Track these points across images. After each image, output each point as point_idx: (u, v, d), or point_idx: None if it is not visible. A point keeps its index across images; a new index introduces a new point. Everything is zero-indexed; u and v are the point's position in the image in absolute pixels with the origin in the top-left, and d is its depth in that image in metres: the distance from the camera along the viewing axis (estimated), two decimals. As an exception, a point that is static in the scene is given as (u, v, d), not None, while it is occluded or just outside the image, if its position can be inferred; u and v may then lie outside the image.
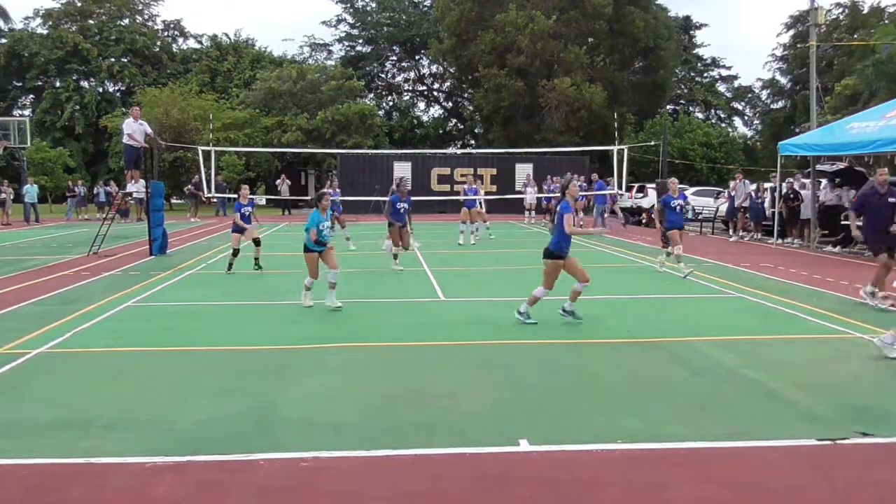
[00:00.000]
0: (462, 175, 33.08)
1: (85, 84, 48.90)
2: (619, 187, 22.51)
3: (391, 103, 54.70)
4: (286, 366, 6.44)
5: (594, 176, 24.64)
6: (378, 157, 33.62)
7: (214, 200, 31.97)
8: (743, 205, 19.80)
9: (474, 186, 19.55)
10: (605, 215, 23.29)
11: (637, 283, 11.47)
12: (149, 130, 15.55)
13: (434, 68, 53.72)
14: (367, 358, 6.74)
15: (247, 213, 12.70)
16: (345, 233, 16.91)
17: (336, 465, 4.23)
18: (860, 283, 11.05)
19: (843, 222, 16.56)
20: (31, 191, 28.76)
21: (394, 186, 13.84)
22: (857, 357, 6.77)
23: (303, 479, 4.07)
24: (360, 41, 52.77)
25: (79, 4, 48.14)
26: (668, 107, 49.47)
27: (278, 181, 33.29)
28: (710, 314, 8.92)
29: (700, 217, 24.63)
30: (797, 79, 45.60)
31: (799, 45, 42.62)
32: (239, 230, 12.59)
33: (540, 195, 26.91)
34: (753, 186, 20.26)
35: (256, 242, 12.64)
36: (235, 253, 12.61)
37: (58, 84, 47.75)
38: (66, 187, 32.85)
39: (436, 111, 55.89)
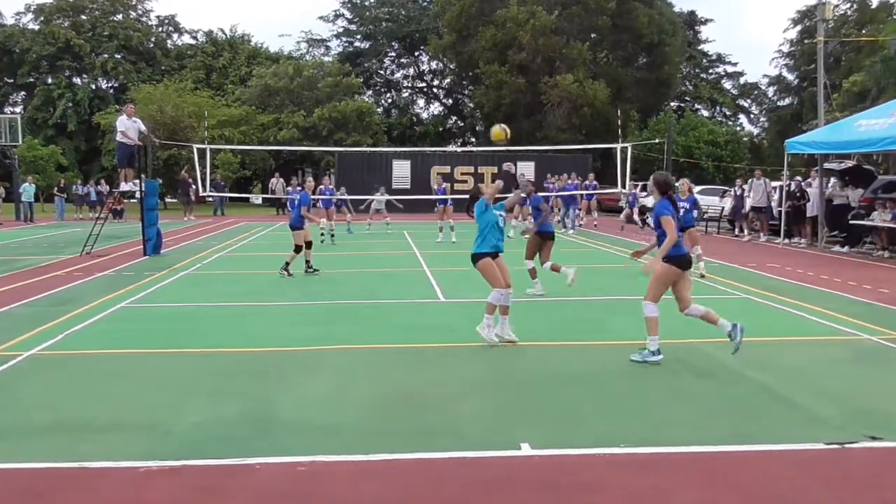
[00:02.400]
0: (462, 174, 33.17)
1: (77, 81, 48.89)
2: (623, 186, 22.51)
3: (390, 100, 54.71)
4: (283, 368, 6.44)
5: (563, 176, 24.01)
6: (377, 155, 33.63)
7: (210, 199, 31.99)
8: (760, 204, 19.68)
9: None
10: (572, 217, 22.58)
11: (640, 283, 11.45)
12: (142, 128, 15.56)
13: (434, 65, 53.73)
14: (366, 360, 6.74)
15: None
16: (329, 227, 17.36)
17: (334, 470, 4.24)
18: (868, 283, 11.08)
19: (851, 222, 16.57)
20: (28, 189, 28.74)
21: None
22: (866, 359, 6.77)
23: (300, 484, 4.08)
24: (359, 37, 52.78)
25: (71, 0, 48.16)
26: (672, 104, 49.45)
27: (273, 179, 33.33)
28: (716, 315, 8.91)
29: (706, 216, 24.63)
30: (804, 75, 45.55)
31: (806, 41, 42.57)
32: (301, 226, 12.01)
33: (544, 194, 26.89)
34: (774, 185, 20.11)
35: (308, 245, 12.12)
36: (298, 250, 11.98)
37: (50, 81, 47.75)
38: (57, 185, 32.82)
39: (436, 108, 55.93)
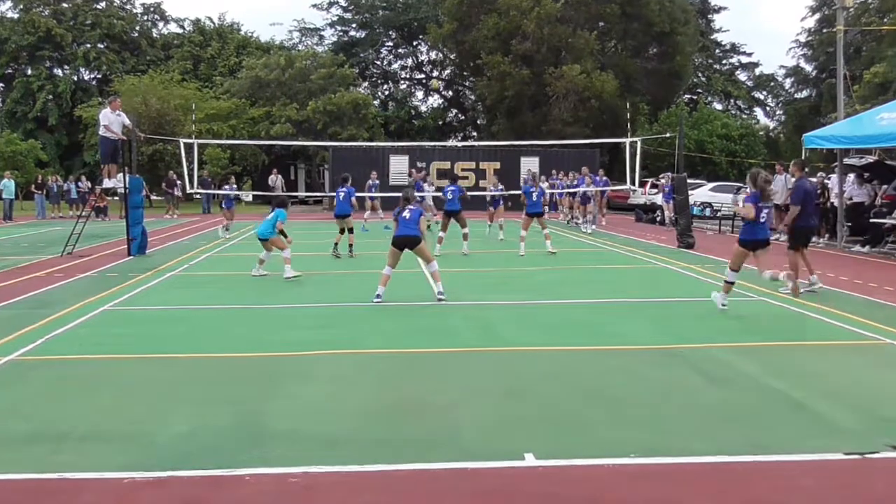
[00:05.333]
0: (463, 169, 33.14)
1: (59, 72, 48.93)
2: (633, 183, 22.52)
3: (387, 92, 54.73)
4: (275, 374, 6.44)
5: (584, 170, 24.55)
6: (373, 149, 33.63)
7: (197, 197, 32.01)
8: (786, 202, 19.47)
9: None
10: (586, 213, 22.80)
11: (649, 284, 11.48)
12: (127, 122, 15.54)
13: (433, 55, 53.76)
14: (362, 366, 6.74)
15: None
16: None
17: (328, 481, 4.24)
18: (890, 285, 11.08)
19: (871, 220, 16.57)
20: (8, 186, 28.68)
21: None
22: (888, 365, 6.77)
23: (292, 496, 4.08)
24: (354, 26, 52.80)
25: (52, -13, 48.22)
26: (684, 96, 49.48)
27: (272, 176, 33.37)
28: (730, 319, 8.92)
29: (719, 214, 24.65)
30: (823, 66, 45.60)
31: (825, 30, 42.64)
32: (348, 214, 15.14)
33: (552, 190, 27.04)
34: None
35: (349, 230, 15.06)
36: (342, 232, 15.04)
37: (29, 72, 47.76)
38: (35, 181, 32.81)
39: (435, 101, 55.93)
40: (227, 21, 52.52)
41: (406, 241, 9.84)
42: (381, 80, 55.16)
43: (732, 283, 9.23)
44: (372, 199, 23.03)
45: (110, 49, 48.66)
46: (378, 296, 9.67)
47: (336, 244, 14.99)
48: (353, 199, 15.17)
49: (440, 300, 9.62)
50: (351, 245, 15.00)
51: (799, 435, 4.94)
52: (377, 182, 23.89)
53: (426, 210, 19.22)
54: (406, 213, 9.92)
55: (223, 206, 20.89)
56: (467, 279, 12.02)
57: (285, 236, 12.19)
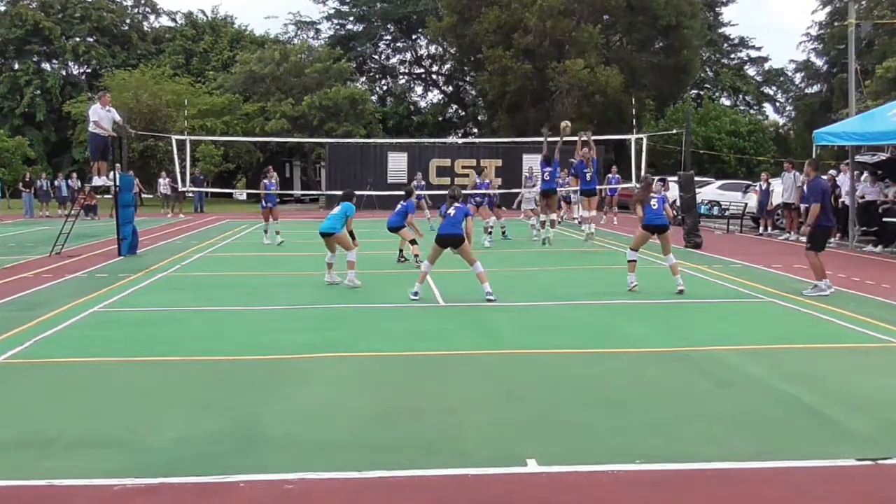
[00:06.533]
0: (464, 167, 33.11)
1: (47, 66, 48.85)
2: (637, 180, 22.54)
3: (385, 87, 54.70)
4: (270, 377, 6.45)
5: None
6: (371, 146, 33.63)
7: (190, 195, 32.02)
8: (790, 200, 19.39)
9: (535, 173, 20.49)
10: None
11: (654, 285, 11.47)
12: (117, 118, 15.53)
13: (433, 49, 53.72)
14: (360, 369, 6.75)
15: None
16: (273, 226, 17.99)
17: (325, 488, 4.24)
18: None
19: (884, 219, 16.57)
20: None
21: None
22: (900, 368, 6.78)
23: (288, 503, 4.08)
24: (351, 19, 52.78)
25: (40, -21, 48.14)
26: (691, 92, 49.42)
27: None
28: (738, 321, 8.93)
29: (727, 213, 24.65)
30: (834, 60, 45.52)
31: (836, 24, 42.55)
32: (403, 226, 13.86)
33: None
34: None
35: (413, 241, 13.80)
36: (415, 242, 13.80)
37: (16, 66, 47.68)
38: (22, 179, 32.77)
39: (435, 96, 55.92)
40: (221, 14, 52.50)
41: (449, 241, 9.91)
42: (378, 74, 55.15)
43: (634, 262, 10.67)
44: (419, 198, 22.46)
45: (100, 43, 48.61)
46: (415, 293, 9.88)
47: (416, 255, 13.63)
48: (410, 214, 13.90)
49: (489, 301, 9.66)
50: (416, 255, 13.62)
51: (809, 440, 4.95)
52: (422, 183, 23.05)
53: (537, 211, 19.13)
54: (451, 211, 10.02)
55: (263, 204, 18.46)
56: (467, 280, 12.02)
57: (353, 237, 11.63)
